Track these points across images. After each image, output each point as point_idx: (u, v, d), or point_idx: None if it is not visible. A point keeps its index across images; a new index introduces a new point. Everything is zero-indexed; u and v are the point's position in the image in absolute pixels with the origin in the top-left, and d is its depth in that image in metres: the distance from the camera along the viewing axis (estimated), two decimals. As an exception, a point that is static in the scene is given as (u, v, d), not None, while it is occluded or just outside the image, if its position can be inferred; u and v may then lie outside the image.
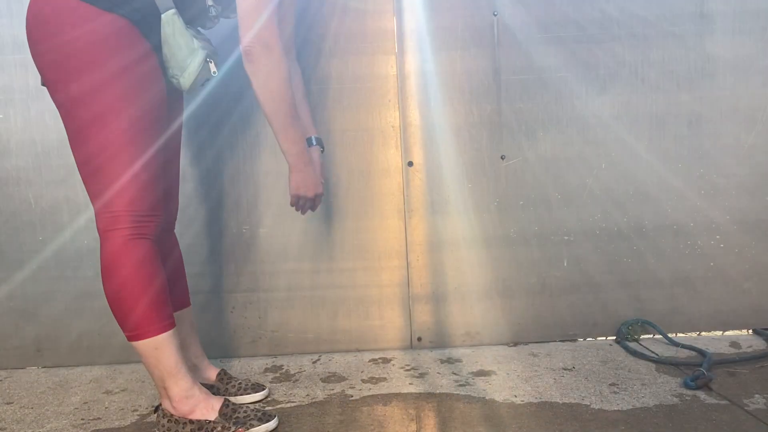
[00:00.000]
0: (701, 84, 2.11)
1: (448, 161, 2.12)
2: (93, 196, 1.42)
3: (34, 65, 1.43)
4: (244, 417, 1.50)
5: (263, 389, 1.76)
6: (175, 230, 1.74)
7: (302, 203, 1.72)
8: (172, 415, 1.47)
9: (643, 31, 2.10)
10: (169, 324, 1.44)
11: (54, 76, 1.39)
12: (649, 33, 2.10)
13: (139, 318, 1.40)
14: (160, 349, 1.42)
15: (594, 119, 2.12)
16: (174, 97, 1.64)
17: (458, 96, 2.11)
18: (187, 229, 2.10)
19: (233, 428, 1.45)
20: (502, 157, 2.13)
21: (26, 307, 2.14)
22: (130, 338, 1.42)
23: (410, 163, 2.12)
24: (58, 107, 1.42)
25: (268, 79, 1.48)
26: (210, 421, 1.45)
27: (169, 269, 1.67)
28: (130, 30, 1.40)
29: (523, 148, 2.12)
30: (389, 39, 2.10)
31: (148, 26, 1.44)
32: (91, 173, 1.41)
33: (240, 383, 1.76)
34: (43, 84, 1.44)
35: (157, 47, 1.47)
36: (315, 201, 1.74)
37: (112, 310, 1.42)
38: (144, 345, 1.42)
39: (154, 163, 1.45)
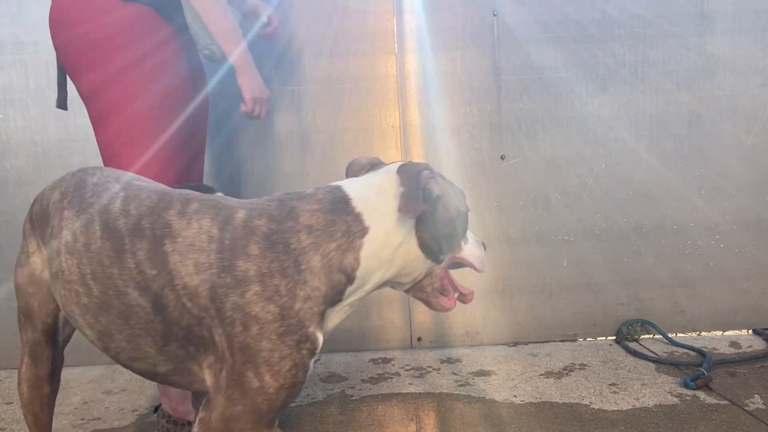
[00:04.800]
0: (701, 84, 2.11)
1: (448, 161, 2.12)
2: None
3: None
4: None
5: None
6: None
7: (258, 107, 1.58)
8: (170, 416, 1.46)
9: (643, 31, 2.10)
10: None
11: (78, 65, 1.41)
12: (649, 33, 2.10)
13: None
14: None
15: (594, 119, 2.11)
16: (199, 77, 1.63)
17: (458, 96, 2.11)
18: (187, 229, 2.10)
19: None
20: (502, 157, 2.12)
21: (26, 307, 2.13)
22: None
23: (410, 163, 2.12)
24: (82, 97, 1.44)
25: None
26: None
27: None
28: (153, 17, 1.41)
29: (523, 148, 2.12)
30: (389, 39, 2.10)
31: (171, 8, 1.44)
32: (112, 156, 1.42)
33: None
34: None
35: (183, 27, 1.47)
36: (265, 105, 1.61)
37: None
38: None
39: (177, 139, 1.46)
